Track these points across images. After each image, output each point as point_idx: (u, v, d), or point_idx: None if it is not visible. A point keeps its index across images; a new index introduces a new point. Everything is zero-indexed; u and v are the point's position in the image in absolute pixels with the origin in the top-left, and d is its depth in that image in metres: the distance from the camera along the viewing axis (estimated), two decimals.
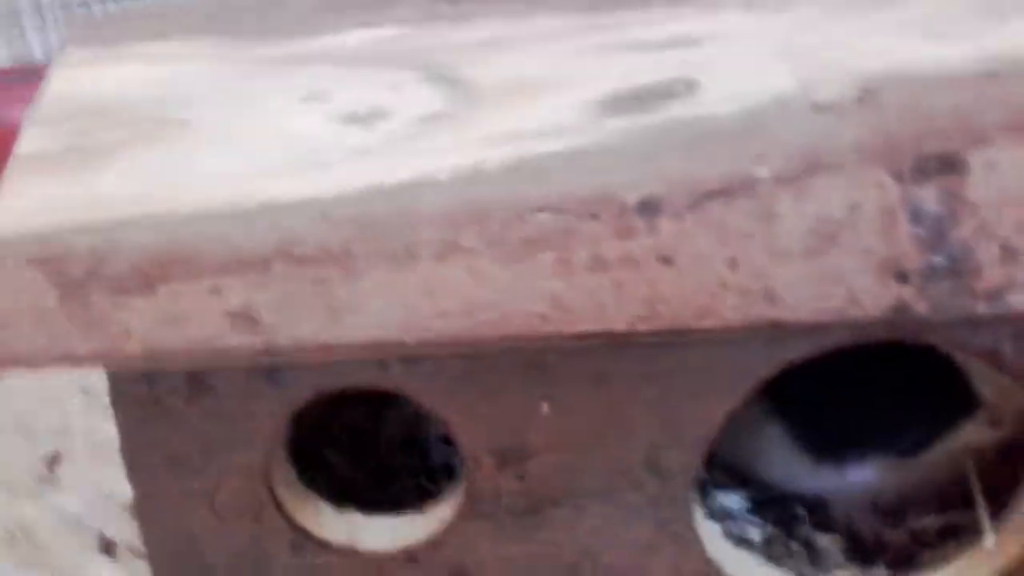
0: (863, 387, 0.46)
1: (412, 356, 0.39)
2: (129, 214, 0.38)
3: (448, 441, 0.65)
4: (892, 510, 0.50)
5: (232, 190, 0.38)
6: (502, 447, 0.41)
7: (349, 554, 0.45)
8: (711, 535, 0.44)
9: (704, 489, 0.55)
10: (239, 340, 0.38)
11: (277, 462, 0.44)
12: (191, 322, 0.38)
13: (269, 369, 0.41)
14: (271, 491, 0.44)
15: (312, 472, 0.55)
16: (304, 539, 0.45)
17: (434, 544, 0.44)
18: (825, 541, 0.49)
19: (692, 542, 0.42)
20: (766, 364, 0.38)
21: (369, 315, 0.37)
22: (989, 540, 0.41)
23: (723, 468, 0.56)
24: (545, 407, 0.40)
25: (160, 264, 0.37)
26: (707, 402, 0.39)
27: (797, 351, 0.37)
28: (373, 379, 0.41)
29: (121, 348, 0.39)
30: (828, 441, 0.48)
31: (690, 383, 0.39)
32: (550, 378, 0.40)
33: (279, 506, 0.44)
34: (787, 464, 0.50)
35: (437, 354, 0.39)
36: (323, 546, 0.45)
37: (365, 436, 0.64)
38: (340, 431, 0.63)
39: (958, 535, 0.47)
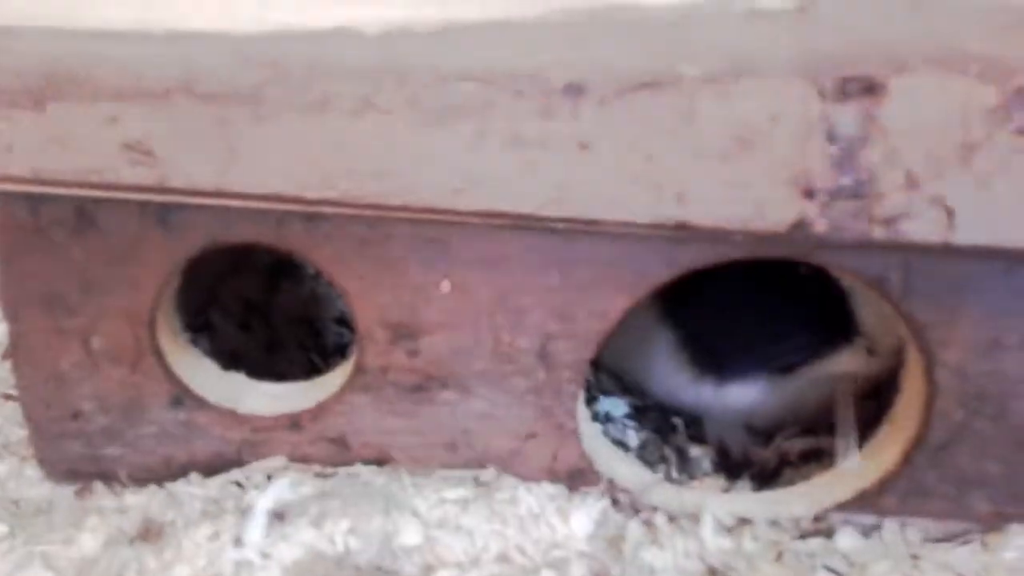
0: (752, 307, 0.48)
1: (312, 214, 0.38)
2: (20, 21, 0.35)
3: (342, 323, 0.65)
4: (762, 431, 0.53)
5: (139, 12, 0.35)
6: (397, 322, 0.41)
7: (229, 415, 0.44)
8: (589, 430, 0.45)
9: (589, 393, 0.56)
10: (132, 174, 0.37)
11: (163, 312, 0.43)
12: (82, 148, 0.36)
13: (162, 211, 0.39)
14: (153, 341, 0.42)
15: (198, 335, 0.54)
16: (183, 394, 0.43)
17: (318, 412, 0.44)
18: (697, 452, 0.51)
19: (572, 434, 0.43)
20: (667, 267, 0.38)
21: (271, 164, 0.36)
22: (853, 462, 0.43)
23: (609, 375, 0.58)
24: (446, 285, 0.40)
25: (51, 79, 0.35)
26: (605, 297, 0.39)
27: (698, 258, 0.38)
28: (270, 236, 0.39)
29: (4, 166, 0.36)
30: (713, 357, 0.50)
31: (590, 277, 0.39)
32: (452, 257, 0.39)
33: (160, 357, 0.43)
34: (672, 375, 0.51)
35: (339, 215, 0.38)
36: (203, 404, 0.44)
37: (257, 308, 0.63)
38: (232, 300, 0.62)
39: (820, 458, 0.50)
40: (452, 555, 0.41)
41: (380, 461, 0.45)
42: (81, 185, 0.37)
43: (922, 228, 0.34)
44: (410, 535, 0.41)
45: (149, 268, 0.40)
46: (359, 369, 0.43)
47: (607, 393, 0.57)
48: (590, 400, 0.56)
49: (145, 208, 0.39)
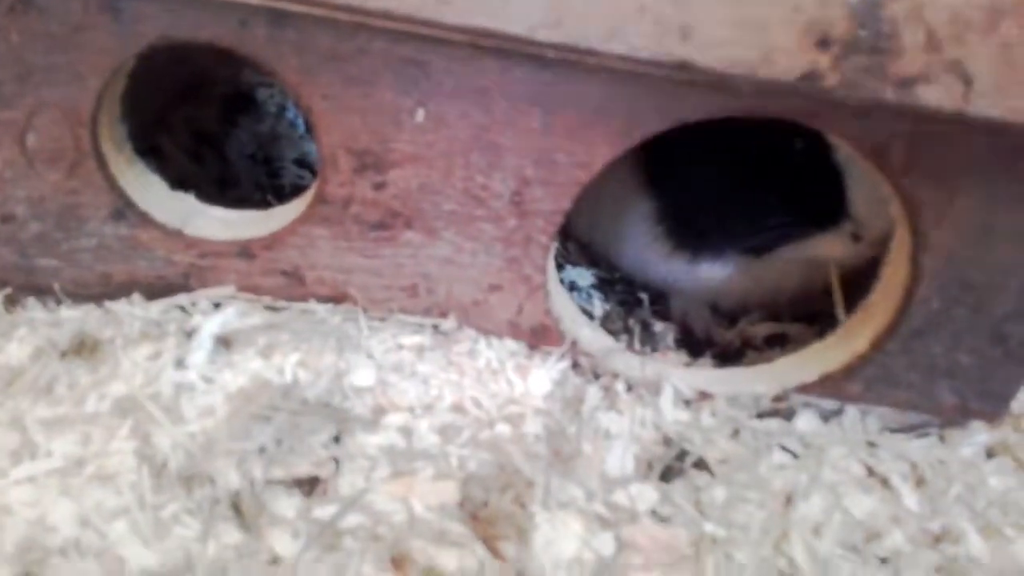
0: (738, 184, 0.45)
1: (279, 17, 0.34)
2: None
3: (303, 164, 0.61)
4: (728, 313, 0.52)
5: None
6: (364, 150, 0.38)
7: (175, 235, 0.41)
8: (557, 288, 0.44)
9: (556, 261, 0.54)
10: None
11: (106, 115, 0.39)
12: None
13: None
14: (95, 144, 0.39)
15: (144, 160, 0.50)
16: (126, 208, 0.40)
17: (271, 242, 0.41)
18: (660, 327, 0.50)
19: (539, 289, 0.41)
20: (659, 117, 0.36)
21: None
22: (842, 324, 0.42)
23: (577, 245, 0.56)
24: (420, 114, 0.37)
25: None
26: (590, 145, 0.37)
27: (693, 110, 0.35)
28: (230, 38, 0.35)
29: None
30: (690, 231, 0.48)
31: (576, 121, 0.36)
32: (430, 83, 0.36)
33: (102, 164, 0.39)
34: (646, 248, 0.49)
35: (308, 21, 0.34)
36: (146, 220, 0.41)
37: (210, 140, 0.59)
38: (183, 129, 0.58)
39: (784, 344, 0.49)
40: (405, 400, 0.39)
41: (336, 299, 0.42)
42: None
43: (937, 94, 0.32)
44: (362, 376, 0.40)
45: (94, 59, 0.36)
46: (319, 199, 0.40)
47: (574, 263, 0.55)
48: (556, 268, 0.54)
49: None
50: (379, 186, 0.39)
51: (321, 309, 0.42)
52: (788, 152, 0.42)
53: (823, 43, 0.32)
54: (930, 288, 0.38)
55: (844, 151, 0.40)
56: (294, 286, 0.42)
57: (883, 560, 0.37)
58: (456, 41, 0.34)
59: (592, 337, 0.44)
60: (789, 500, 0.38)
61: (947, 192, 0.35)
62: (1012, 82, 0.32)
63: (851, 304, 0.43)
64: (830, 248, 0.43)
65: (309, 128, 0.39)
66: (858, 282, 0.43)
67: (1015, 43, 0.31)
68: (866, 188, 0.41)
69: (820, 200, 0.43)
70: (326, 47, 0.35)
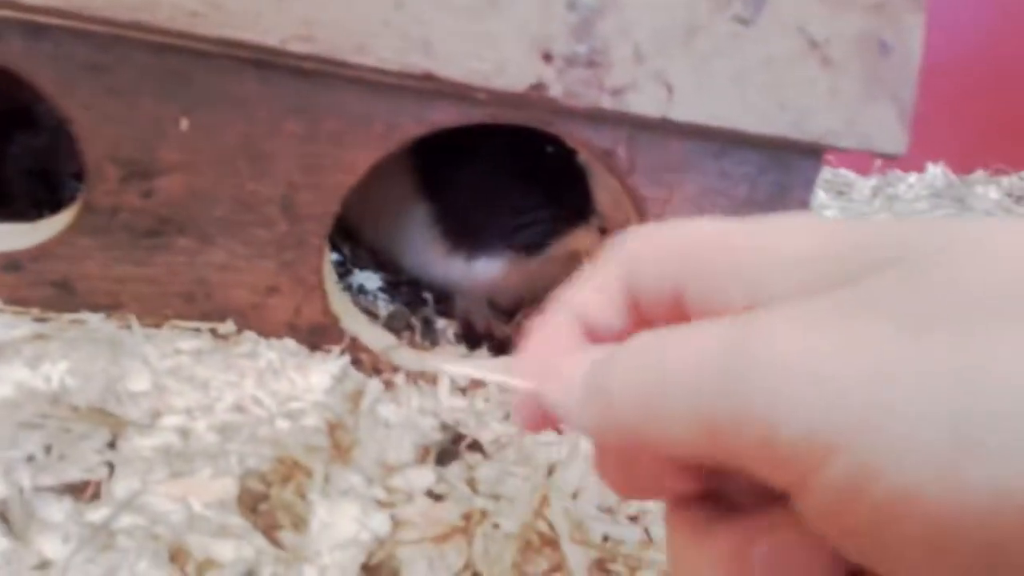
0: (502, 187, 0.50)
1: (34, 28, 0.35)
2: None
3: (82, 178, 0.60)
4: (506, 308, 0.56)
5: None
6: (129, 159, 0.39)
7: None
8: (334, 289, 0.46)
9: (344, 267, 0.56)
10: None
11: None
12: None
13: None
14: None
15: None
16: None
17: (39, 253, 0.41)
18: (442, 323, 0.53)
19: (315, 289, 0.43)
20: (415, 123, 0.39)
21: None
22: None
23: (367, 250, 0.58)
24: (184, 123, 0.38)
25: None
26: (352, 149, 0.39)
27: (445, 117, 0.39)
28: None
29: None
30: (464, 232, 0.51)
31: (338, 126, 0.39)
32: (193, 93, 0.38)
33: None
34: (426, 249, 0.52)
35: (65, 32, 0.35)
36: None
37: None
38: None
39: None
40: (182, 402, 0.40)
41: (110, 309, 0.42)
42: None
43: (644, 101, 0.37)
44: (137, 381, 0.40)
45: None
46: (87, 209, 0.40)
47: (362, 267, 0.57)
48: (345, 273, 0.56)
49: None
50: (147, 194, 0.40)
51: (93, 319, 0.42)
52: (542, 155, 0.47)
53: (547, 57, 0.36)
54: None
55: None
56: (65, 297, 0.42)
57: (632, 518, 0.42)
58: (214, 52, 0.36)
59: (372, 335, 0.46)
60: (551, 471, 0.42)
61: (667, 188, 0.41)
62: (708, 90, 0.37)
63: None
64: (583, 242, 0.48)
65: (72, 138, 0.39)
66: None
67: (710, 55, 0.37)
68: (607, 185, 0.46)
69: (573, 199, 0.48)
70: (84, 58, 0.36)
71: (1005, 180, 0.93)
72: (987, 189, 0.89)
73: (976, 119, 0.96)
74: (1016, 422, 0.14)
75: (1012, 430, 0.14)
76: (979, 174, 0.95)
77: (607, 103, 0.37)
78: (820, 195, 0.81)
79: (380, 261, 0.57)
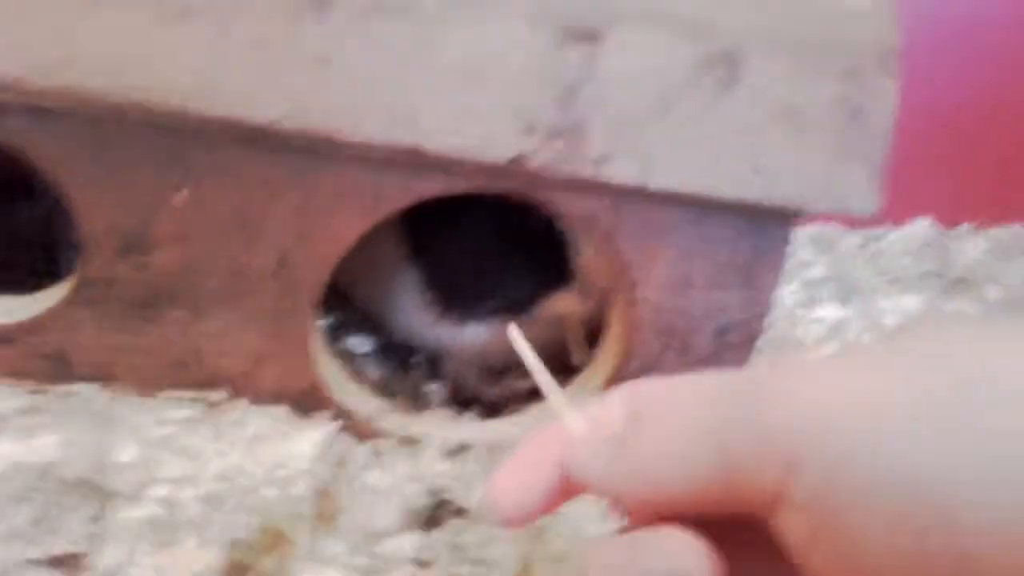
0: (489, 253, 0.51)
1: (34, 107, 0.36)
2: None
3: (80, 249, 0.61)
4: (496, 371, 0.56)
5: None
6: (126, 232, 0.40)
7: None
8: (323, 356, 0.46)
9: (336, 331, 0.57)
10: None
11: None
12: None
13: None
14: None
15: None
16: None
17: (33, 327, 0.42)
18: (432, 387, 0.53)
19: (305, 357, 0.44)
20: (403, 194, 0.40)
21: None
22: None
23: (359, 314, 0.59)
24: (182, 196, 0.39)
25: None
26: (343, 219, 0.40)
27: (431, 187, 0.40)
28: None
29: None
30: (453, 297, 0.52)
31: (329, 198, 0.40)
32: (190, 168, 0.39)
33: None
34: (415, 314, 0.53)
35: (65, 111, 0.36)
36: None
37: None
38: None
39: (542, 397, 0.54)
40: (170, 472, 0.40)
41: (104, 380, 0.43)
42: None
43: (623, 171, 0.38)
44: (126, 452, 0.40)
45: None
46: (83, 282, 0.41)
47: (354, 331, 0.58)
48: (337, 338, 0.56)
49: None
50: (142, 266, 0.41)
51: (87, 389, 0.43)
52: (527, 222, 0.48)
53: (530, 129, 0.37)
54: (646, 335, 0.44)
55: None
56: (60, 370, 0.42)
57: None
58: (209, 129, 0.37)
59: (361, 400, 0.47)
60: (538, 535, 0.42)
61: (649, 253, 0.42)
62: (685, 158, 0.39)
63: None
64: (567, 305, 0.49)
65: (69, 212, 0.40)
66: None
67: (686, 123, 0.39)
68: (587, 249, 0.47)
69: (555, 263, 0.49)
70: (86, 136, 0.37)
71: (993, 231, 0.94)
72: (972, 244, 0.91)
73: (965, 170, 0.97)
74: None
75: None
76: (964, 228, 0.97)
77: (587, 173, 0.38)
78: (806, 253, 0.82)
79: (372, 324, 0.58)
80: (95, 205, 0.39)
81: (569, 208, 0.41)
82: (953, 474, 0.18)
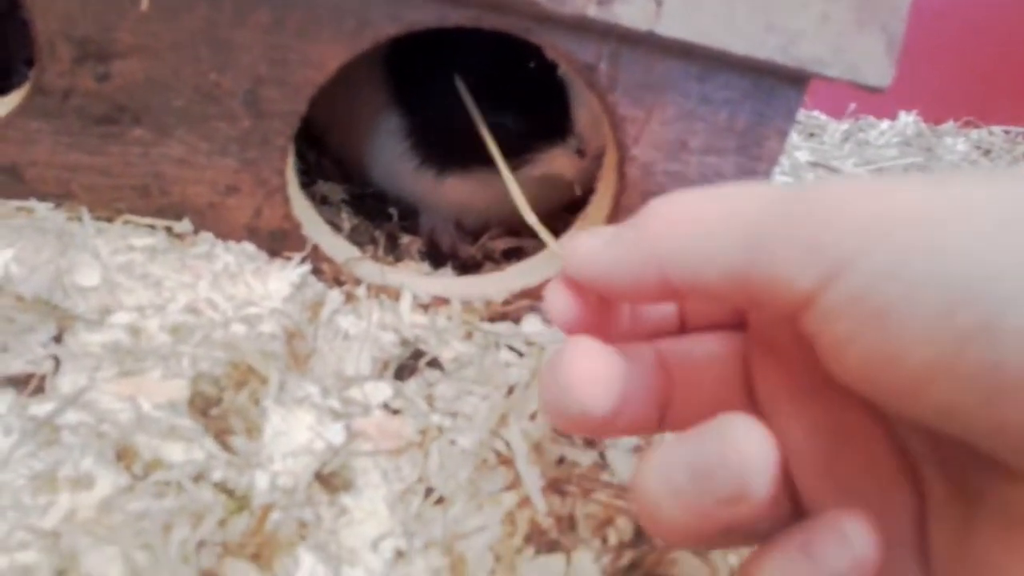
0: (478, 101, 0.48)
1: None
2: None
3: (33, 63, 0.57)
4: (472, 230, 0.54)
5: None
6: (84, 38, 0.37)
7: None
8: (297, 194, 0.44)
9: (308, 176, 0.55)
10: None
11: None
12: None
13: None
14: None
15: None
16: None
17: None
18: (407, 239, 0.52)
19: (278, 192, 0.41)
20: (390, 22, 0.37)
21: None
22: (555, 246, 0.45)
23: (332, 161, 0.57)
24: (144, 3, 0.36)
25: None
26: (323, 45, 0.37)
27: (422, 16, 0.37)
28: None
29: None
30: (436, 147, 0.50)
31: (309, 20, 0.37)
32: None
33: None
34: (395, 162, 0.51)
35: None
36: None
37: None
38: None
39: (520, 257, 0.52)
40: (133, 300, 0.39)
41: (59, 198, 0.40)
42: None
43: (632, 13, 0.35)
44: (87, 275, 0.38)
45: None
46: (37, 90, 0.38)
47: (327, 178, 0.55)
48: (309, 183, 0.54)
49: None
50: (102, 77, 0.37)
51: (42, 207, 0.40)
52: (522, 70, 0.45)
53: None
54: (634, 197, 0.42)
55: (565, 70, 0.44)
56: (13, 183, 0.40)
57: (589, 443, 0.41)
58: None
59: (335, 245, 0.45)
60: (510, 392, 0.42)
61: (646, 109, 0.40)
62: (697, 6, 0.36)
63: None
64: (559, 163, 0.47)
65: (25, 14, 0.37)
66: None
67: None
68: (586, 105, 0.45)
69: (550, 117, 0.46)
70: None
71: (974, 133, 0.93)
72: (956, 141, 0.89)
73: (952, 70, 0.95)
74: None
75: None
76: (949, 125, 0.95)
77: (593, 12, 0.35)
78: (792, 135, 0.81)
79: (345, 172, 0.55)
80: (51, 6, 0.36)
81: (568, 53, 0.38)
82: (1004, 271, 0.18)
